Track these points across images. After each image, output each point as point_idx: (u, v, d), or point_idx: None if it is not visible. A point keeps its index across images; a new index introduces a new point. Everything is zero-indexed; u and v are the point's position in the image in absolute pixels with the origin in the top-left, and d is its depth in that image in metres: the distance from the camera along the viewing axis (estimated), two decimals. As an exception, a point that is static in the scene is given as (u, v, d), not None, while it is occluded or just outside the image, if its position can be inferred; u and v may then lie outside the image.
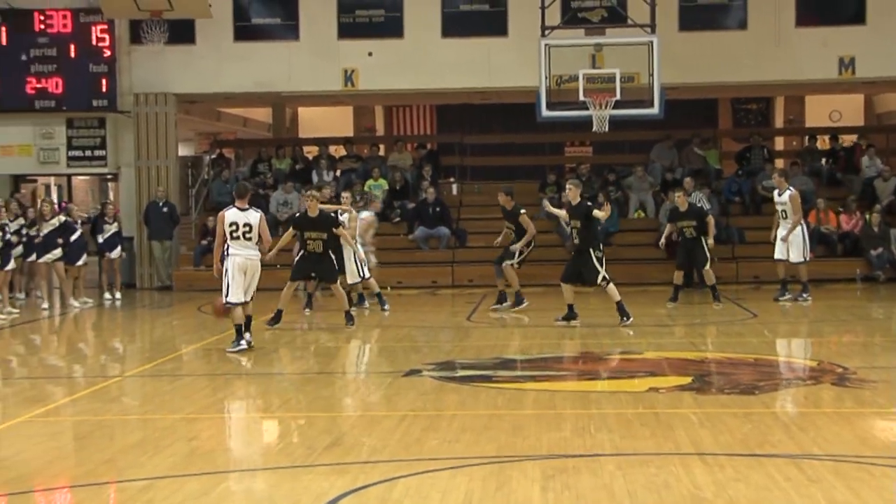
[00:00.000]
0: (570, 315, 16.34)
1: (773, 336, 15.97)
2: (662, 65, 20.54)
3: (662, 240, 19.44)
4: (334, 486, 7.50)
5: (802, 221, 19.13)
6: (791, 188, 19.02)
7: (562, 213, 17.53)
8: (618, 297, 16.10)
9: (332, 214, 16.84)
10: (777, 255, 18.96)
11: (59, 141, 24.74)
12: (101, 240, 21.86)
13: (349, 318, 16.07)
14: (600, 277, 16.02)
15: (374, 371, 12.89)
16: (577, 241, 16.25)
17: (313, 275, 16.89)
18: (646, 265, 22.27)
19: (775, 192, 19.13)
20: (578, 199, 16.29)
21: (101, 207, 22.66)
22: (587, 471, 7.81)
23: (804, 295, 18.80)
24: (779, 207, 18.90)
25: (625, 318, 15.99)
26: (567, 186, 16.92)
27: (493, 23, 24.32)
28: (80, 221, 21.50)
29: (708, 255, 18.54)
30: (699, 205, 20.70)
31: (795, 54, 23.65)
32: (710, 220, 19.12)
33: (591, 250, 16.10)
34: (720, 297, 18.52)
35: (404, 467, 7.97)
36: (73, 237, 20.88)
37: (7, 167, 25.00)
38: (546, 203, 18.73)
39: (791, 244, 18.74)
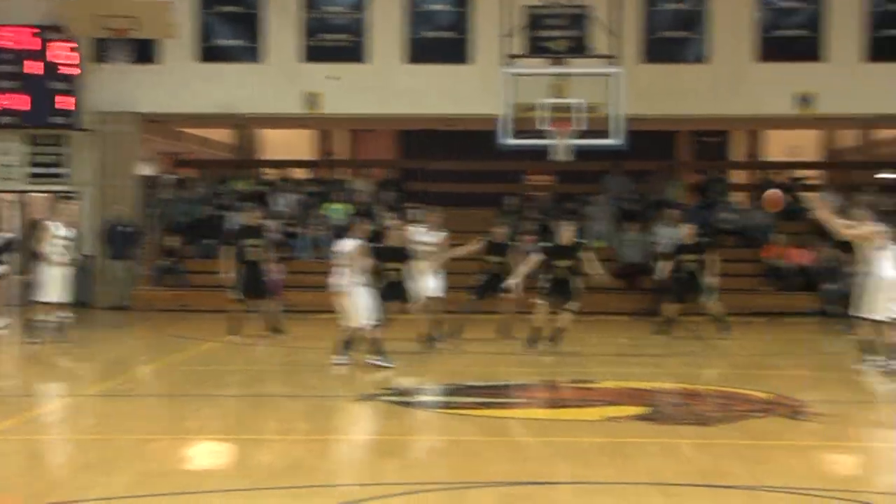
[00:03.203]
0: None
1: (729, 368, 16.07)
2: (624, 96, 20.70)
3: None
4: (291, 509, 7.50)
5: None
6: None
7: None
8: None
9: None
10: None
11: (19, 158, 24.60)
12: None
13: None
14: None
15: (331, 395, 12.87)
16: (573, 276, 16.62)
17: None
18: (604, 294, 22.34)
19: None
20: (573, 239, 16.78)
21: None
22: (543, 498, 7.82)
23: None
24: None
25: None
26: (562, 229, 17.00)
27: (457, 50, 24.43)
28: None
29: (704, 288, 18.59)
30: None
31: (754, 89, 23.83)
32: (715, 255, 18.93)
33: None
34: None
35: (360, 492, 7.96)
36: None
37: (-34, 183, 24.82)
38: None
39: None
